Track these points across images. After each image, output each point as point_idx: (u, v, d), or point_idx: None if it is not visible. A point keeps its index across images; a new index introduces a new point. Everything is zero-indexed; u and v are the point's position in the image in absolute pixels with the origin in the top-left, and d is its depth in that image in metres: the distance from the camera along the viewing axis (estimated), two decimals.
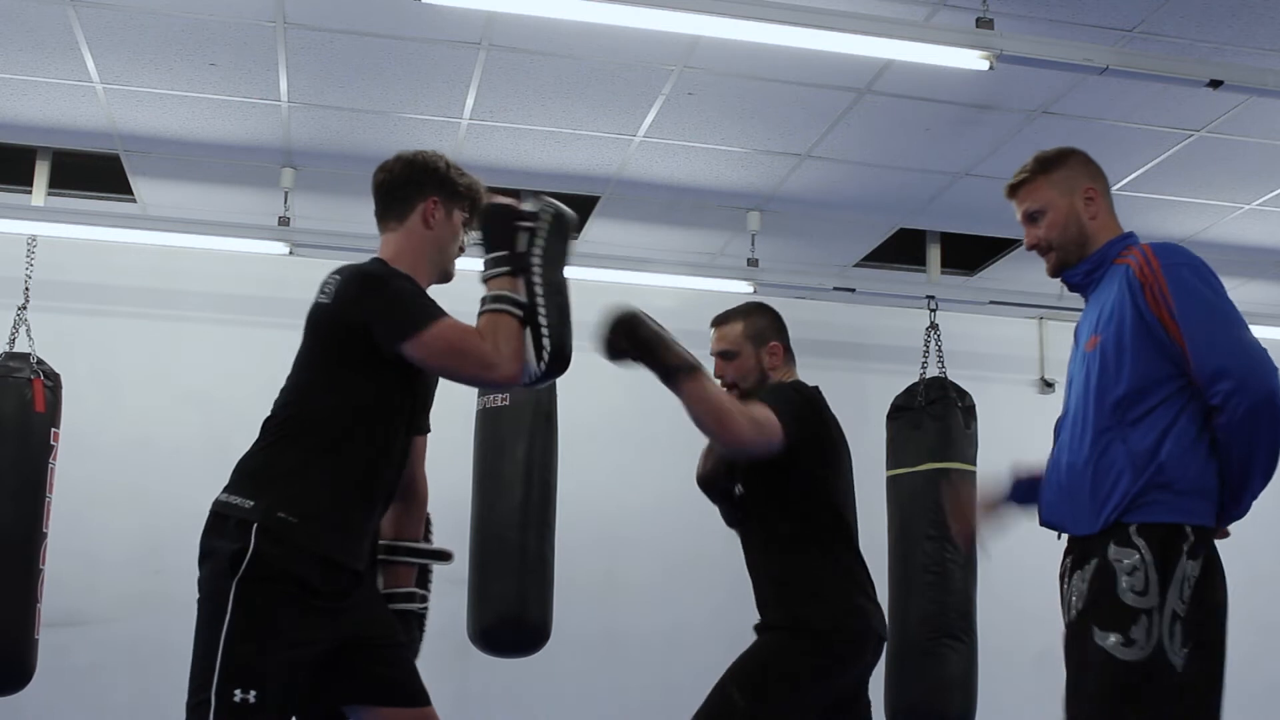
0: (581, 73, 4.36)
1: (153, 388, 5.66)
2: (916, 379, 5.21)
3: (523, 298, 2.47)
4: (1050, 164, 2.66)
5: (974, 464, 5.03)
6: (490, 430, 4.77)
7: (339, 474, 2.47)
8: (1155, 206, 5.37)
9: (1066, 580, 2.63)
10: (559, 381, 4.88)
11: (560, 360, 2.47)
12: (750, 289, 5.57)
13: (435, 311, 2.48)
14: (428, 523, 2.90)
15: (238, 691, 2.32)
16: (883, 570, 4.99)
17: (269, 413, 2.55)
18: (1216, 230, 5.62)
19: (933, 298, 5.60)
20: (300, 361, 2.57)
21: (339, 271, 2.57)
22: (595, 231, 5.80)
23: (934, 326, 5.49)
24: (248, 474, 2.48)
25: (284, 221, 5.16)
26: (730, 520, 3.18)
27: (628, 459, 6.08)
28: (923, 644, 4.78)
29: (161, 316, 5.76)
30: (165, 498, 5.27)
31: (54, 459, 4.67)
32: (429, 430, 2.81)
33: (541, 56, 4.26)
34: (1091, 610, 2.47)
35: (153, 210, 5.56)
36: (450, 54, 4.25)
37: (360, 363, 2.46)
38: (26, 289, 5.02)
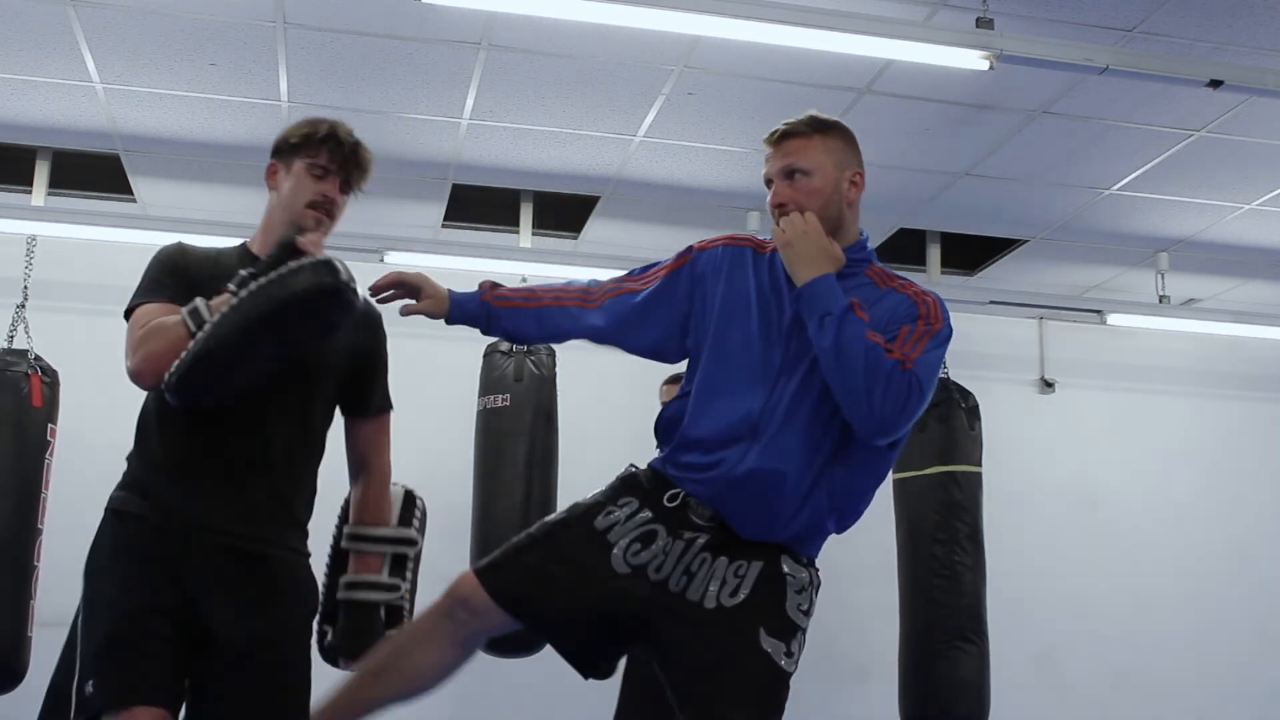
0: (581, 73, 4.36)
1: None
2: None
3: (209, 315, 2.32)
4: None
5: (980, 465, 5.02)
6: (490, 430, 4.78)
7: (156, 446, 2.46)
8: (1155, 206, 5.37)
9: None
10: (559, 381, 4.96)
11: (173, 386, 2.32)
12: None
13: (149, 293, 2.44)
14: (416, 510, 2.81)
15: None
16: (892, 573, 4.99)
17: None
18: (1216, 230, 5.61)
19: None
20: None
21: None
22: (595, 231, 5.80)
23: None
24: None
25: None
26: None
27: (628, 459, 6.06)
28: (935, 647, 4.76)
29: None
30: None
31: (51, 455, 4.65)
32: (379, 412, 2.71)
33: (541, 56, 4.26)
34: None
35: (153, 210, 5.56)
36: (450, 54, 4.25)
37: None
38: (25, 287, 5.02)
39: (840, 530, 2.40)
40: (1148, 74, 3.74)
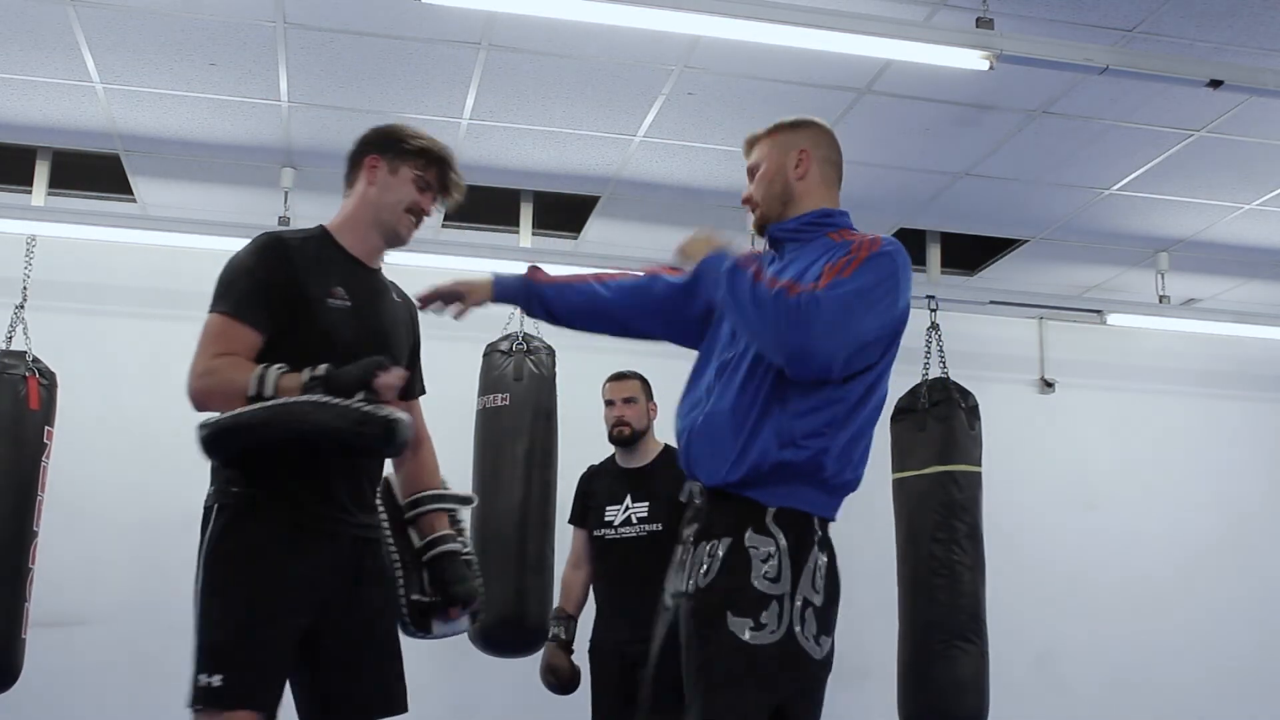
0: (581, 73, 4.36)
1: (151, 388, 5.64)
2: (918, 379, 5.21)
3: (274, 392, 2.39)
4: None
5: (979, 465, 5.02)
6: (490, 430, 4.78)
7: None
8: (1155, 206, 5.37)
9: None
10: (559, 381, 4.95)
11: (201, 438, 2.40)
12: None
13: (228, 304, 2.50)
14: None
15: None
16: (891, 573, 4.98)
17: None
18: (1216, 230, 5.62)
19: (933, 298, 5.58)
20: None
21: None
22: (595, 231, 5.80)
23: (934, 327, 5.48)
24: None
25: (284, 221, 5.15)
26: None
27: None
28: (935, 647, 4.75)
29: (161, 316, 5.74)
30: (163, 497, 5.25)
31: (48, 457, 4.65)
32: (422, 392, 2.88)
33: (541, 56, 4.26)
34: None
35: (153, 210, 5.56)
36: (450, 54, 4.25)
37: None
38: (25, 288, 5.01)
39: (831, 475, 2.42)
40: (1148, 74, 3.75)
